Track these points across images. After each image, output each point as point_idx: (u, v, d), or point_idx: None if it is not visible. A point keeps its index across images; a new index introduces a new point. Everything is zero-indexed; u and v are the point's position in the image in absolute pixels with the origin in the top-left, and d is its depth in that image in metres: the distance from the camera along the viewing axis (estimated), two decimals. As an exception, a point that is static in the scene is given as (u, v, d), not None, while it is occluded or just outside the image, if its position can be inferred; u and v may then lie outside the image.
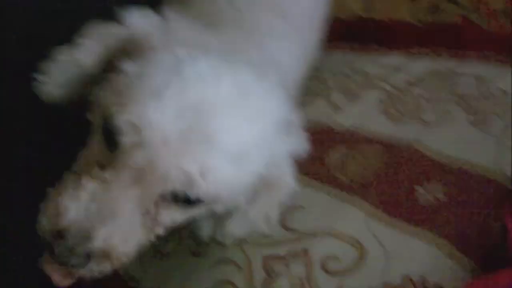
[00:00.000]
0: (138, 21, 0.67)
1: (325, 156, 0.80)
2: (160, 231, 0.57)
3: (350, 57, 1.03)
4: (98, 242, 0.49)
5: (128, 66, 0.55)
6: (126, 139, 0.50)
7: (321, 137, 0.83)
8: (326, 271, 0.63)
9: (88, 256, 0.50)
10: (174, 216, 0.56)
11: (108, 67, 0.64)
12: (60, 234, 0.49)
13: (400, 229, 0.65)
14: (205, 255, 0.71)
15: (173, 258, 0.75)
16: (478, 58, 0.93)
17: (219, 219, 0.66)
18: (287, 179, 0.64)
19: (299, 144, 0.64)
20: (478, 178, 0.68)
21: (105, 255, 0.51)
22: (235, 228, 0.66)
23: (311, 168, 0.77)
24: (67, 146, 0.60)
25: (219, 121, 0.51)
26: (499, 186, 0.66)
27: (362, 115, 0.85)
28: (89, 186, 0.50)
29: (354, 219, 0.67)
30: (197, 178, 0.50)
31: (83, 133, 0.59)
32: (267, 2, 0.84)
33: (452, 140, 0.75)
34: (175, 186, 0.51)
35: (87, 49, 0.67)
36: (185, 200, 0.53)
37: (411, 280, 0.59)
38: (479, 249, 0.60)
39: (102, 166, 0.52)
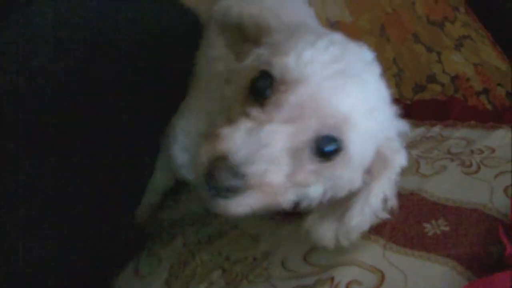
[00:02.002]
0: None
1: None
2: (295, 192, 0.62)
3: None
4: (255, 167, 0.53)
5: (273, 37, 0.64)
6: (288, 76, 0.56)
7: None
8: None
9: (245, 180, 0.54)
10: (310, 177, 0.61)
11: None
12: (222, 157, 0.53)
13: (413, 256, 0.73)
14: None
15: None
16: (466, 127, 1.05)
17: (340, 218, 0.70)
18: (399, 155, 0.68)
19: (401, 125, 0.70)
20: (476, 212, 0.77)
21: (260, 183, 0.55)
22: (358, 219, 0.70)
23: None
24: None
25: (361, 74, 0.59)
26: (495, 219, 0.75)
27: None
28: (247, 123, 0.56)
29: (372, 251, 0.75)
30: (350, 118, 0.56)
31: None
32: None
33: (450, 186, 0.84)
34: (327, 124, 0.57)
35: None
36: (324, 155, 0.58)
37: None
38: (481, 267, 0.68)
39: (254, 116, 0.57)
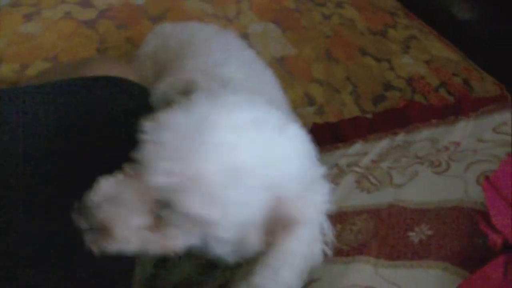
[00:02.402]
0: None
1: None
2: (169, 244, 0.60)
3: (320, 158, 1.16)
4: (100, 214, 0.58)
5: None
6: (146, 137, 0.58)
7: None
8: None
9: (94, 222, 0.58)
10: (170, 231, 0.59)
11: None
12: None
13: (404, 267, 0.72)
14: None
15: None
16: (428, 127, 1.07)
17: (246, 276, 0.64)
18: (309, 210, 0.62)
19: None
20: (455, 210, 0.77)
21: (105, 229, 0.58)
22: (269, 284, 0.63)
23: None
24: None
25: (223, 135, 0.56)
26: (474, 211, 0.75)
27: (344, 196, 0.95)
28: (118, 176, 0.60)
29: (365, 272, 0.75)
30: (185, 185, 0.54)
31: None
32: None
33: (425, 190, 0.85)
34: (164, 190, 0.55)
35: None
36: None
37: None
38: (473, 261, 0.68)
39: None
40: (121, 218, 0.59)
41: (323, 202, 0.64)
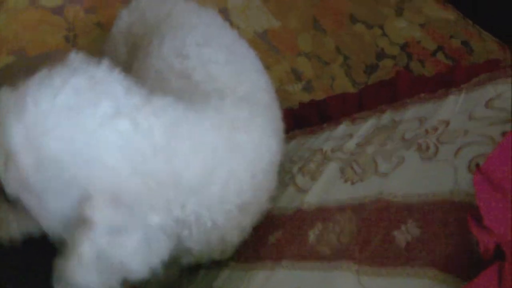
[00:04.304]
0: None
1: (306, 237, 0.82)
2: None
3: (305, 141, 1.08)
4: None
5: None
6: None
7: (298, 222, 0.86)
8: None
9: None
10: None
11: None
12: None
13: (388, 275, 0.65)
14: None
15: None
16: (416, 103, 0.98)
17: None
18: (97, 214, 0.60)
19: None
20: (444, 204, 0.69)
21: None
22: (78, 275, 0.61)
23: (295, 251, 0.79)
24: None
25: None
26: (464, 205, 0.67)
27: (327, 189, 0.88)
28: None
29: (346, 281, 0.68)
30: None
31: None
32: None
33: (411, 180, 0.77)
34: None
35: None
36: None
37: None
38: (465, 265, 0.60)
39: None
40: None
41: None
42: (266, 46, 1.45)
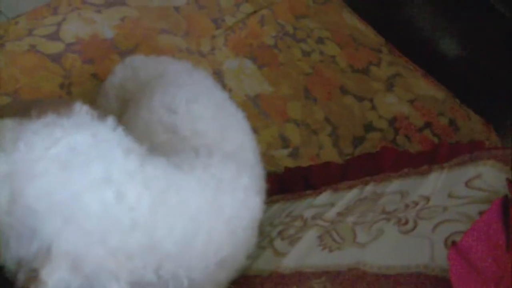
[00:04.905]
0: None
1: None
2: None
3: (287, 206, 1.08)
4: None
5: None
6: None
7: (273, 284, 0.85)
8: None
9: None
10: None
11: None
12: None
13: None
14: None
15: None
16: (399, 177, 0.99)
17: None
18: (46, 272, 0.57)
19: None
20: (417, 277, 0.69)
21: None
22: None
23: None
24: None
25: None
26: (438, 280, 0.67)
27: (304, 254, 0.87)
28: None
29: None
30: None
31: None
32: None
33: (388, 252, 0.77)
34: None
35: None
36: None
37: None
38: None
39: None
40: None
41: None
42: (256, 110, 1.47)
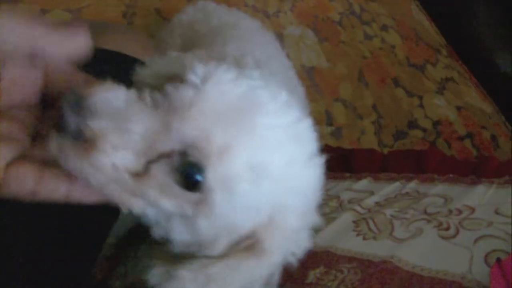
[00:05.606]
0: None
1: (305, 278, 0.81)
2: (137, 203, 0.49)
3: (324, 184, 1.08)
4: (95, 124, 0.44)
5: None
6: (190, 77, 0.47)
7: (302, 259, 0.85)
8: None
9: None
10: (155, 189, 0.48)
11: None
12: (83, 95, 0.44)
13: None
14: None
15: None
16: (445, 181, 0.98)
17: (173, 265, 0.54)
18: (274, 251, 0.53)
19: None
20: (452, 285, 0.69)
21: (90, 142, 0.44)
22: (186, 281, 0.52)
23: (290, 287, 0.78)
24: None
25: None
26: (474, 293, 0.67)
27: (337, 236, 0.87)
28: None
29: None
30: (213, 151, 0.45)
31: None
32: None
33: (425, 253, 0.77)
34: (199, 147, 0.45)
35: None
36: (183, 180, 0.46)
37: None
38: None
39: None
40: (116, 143, 0.45)
41: (298, 249, 0.56)
42: (309, 82, 1.46)
